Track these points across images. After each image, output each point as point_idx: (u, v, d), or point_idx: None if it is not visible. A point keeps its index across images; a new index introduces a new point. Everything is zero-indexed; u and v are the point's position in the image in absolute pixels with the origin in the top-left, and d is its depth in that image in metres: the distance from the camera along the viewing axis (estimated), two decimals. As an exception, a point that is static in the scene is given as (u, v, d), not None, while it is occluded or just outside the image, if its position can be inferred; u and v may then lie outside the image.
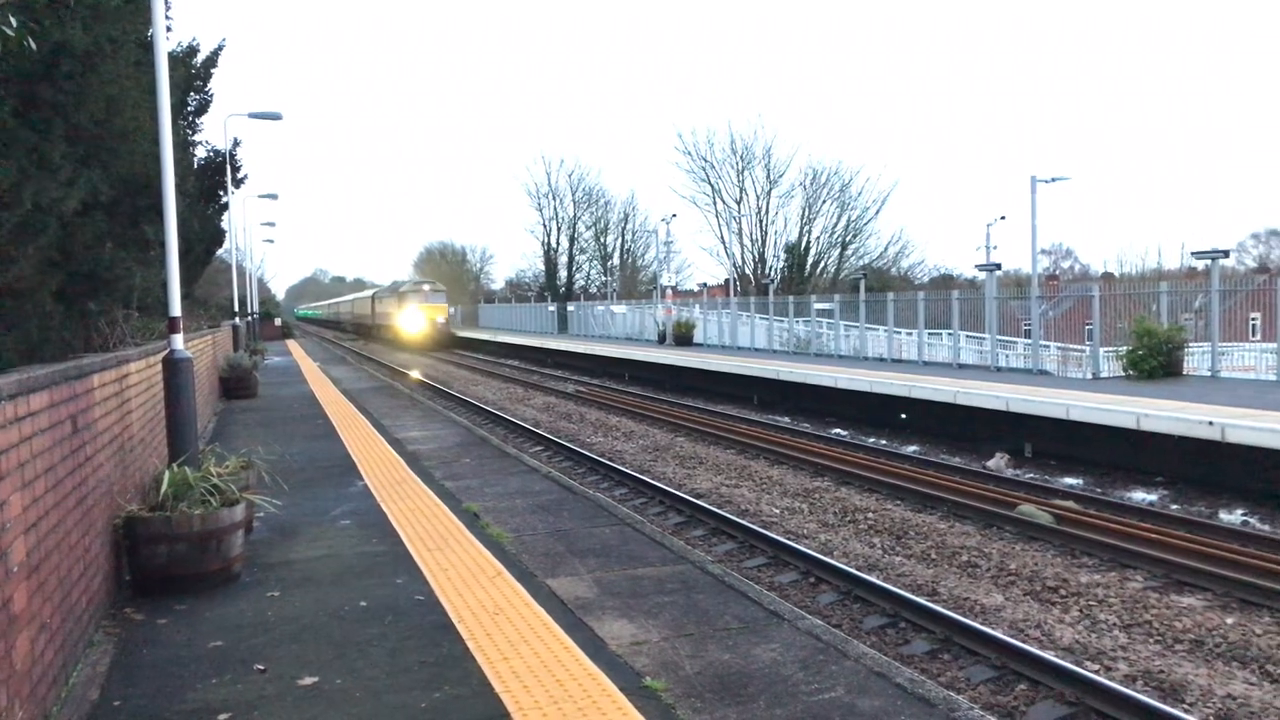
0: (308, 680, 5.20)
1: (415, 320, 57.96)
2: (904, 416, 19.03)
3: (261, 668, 5.40)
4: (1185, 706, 6.39)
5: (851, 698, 4.95)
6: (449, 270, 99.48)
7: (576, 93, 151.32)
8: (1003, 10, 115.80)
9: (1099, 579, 9.13)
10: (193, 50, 20.07)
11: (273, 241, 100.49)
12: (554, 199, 78.01)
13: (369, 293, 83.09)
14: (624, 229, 77.81)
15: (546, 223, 78.95)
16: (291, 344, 60.02)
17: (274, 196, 44.46)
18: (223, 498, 7.18)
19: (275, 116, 28.55)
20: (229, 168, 26.60)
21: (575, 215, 78.28)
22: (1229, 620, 7.96)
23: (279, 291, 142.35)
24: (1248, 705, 6.37)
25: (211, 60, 20.96)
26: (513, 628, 5.96)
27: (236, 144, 27.50)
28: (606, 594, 6.83)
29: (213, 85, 20.97)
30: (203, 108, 20.75)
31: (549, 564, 7.65)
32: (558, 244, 79.28)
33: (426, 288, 61.52)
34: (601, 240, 79.25)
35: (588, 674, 5.20)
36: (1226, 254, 21.26)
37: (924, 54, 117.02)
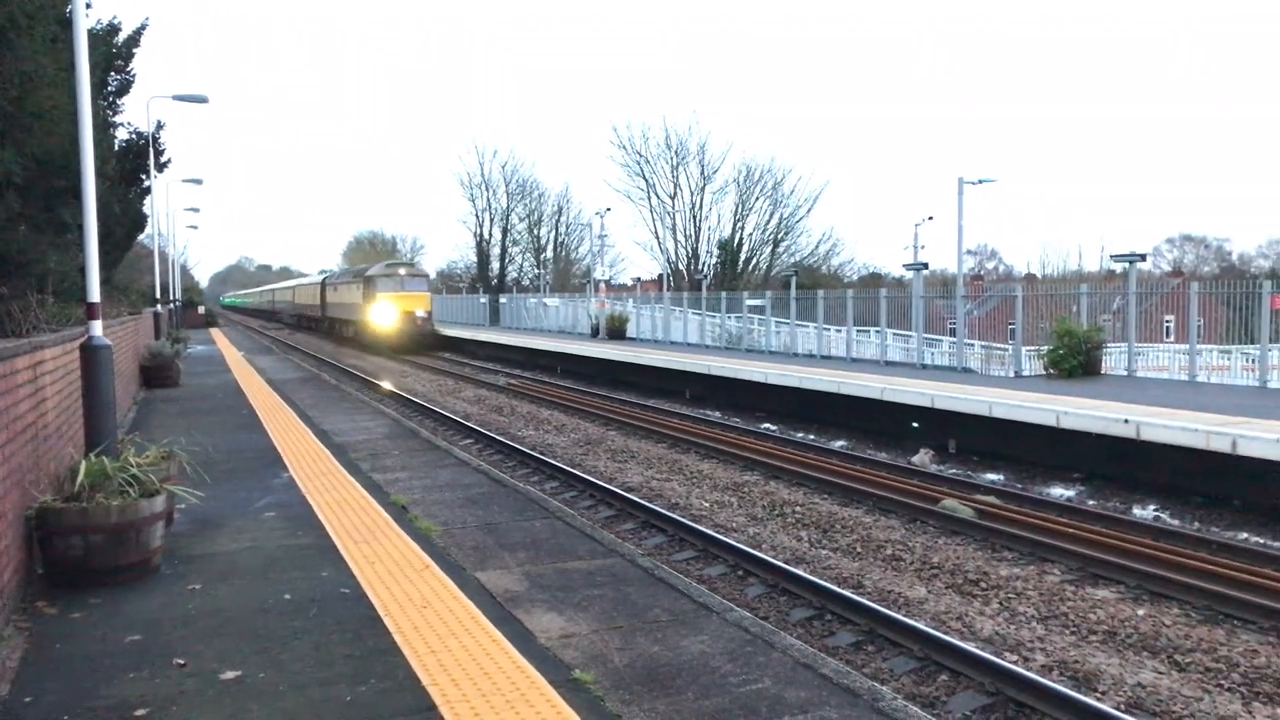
0: (230, 674, 5.10)
1: (387, 314, 43.15)
2: (829, 413, 19.30)
3: (182, 662, 5.28)
4: (1098, 695, 6.59)
5: (779, 688, 5.01)
6: (378, 261, 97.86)
7: (511, 83, 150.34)
8: (932, 15, 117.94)
9: (1018, 572, 9.37)
10: (114, 29, 19.47)
11: (196, 228, 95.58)
12: (487, 189, 77.34)
13: (317, 276, 69.67)
14: (558, 221, 77.57)
15: (479, 213, 78.26)
16: (216, 333, 58.40)
17: (198, 181, 43.50)
18: (142, 488, 6.99)
19: (200, 99, 27.84)
20: (152, 150, 25.89)
21: (509, 206, 77.72)
22: (1140, 612, 8.22)
23: (203, 279, 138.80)
24: (1156, 694, 6.59)
25: (134, 39, 20.36)
26: (441, 621, 5.92)
27: (160, 127, 26.82)
28: (536, 587, 6.81)
29: (135, 65, 20.39)
30: (124, 88, 20.16)
31: (478, 557, 7.60)
32: (490, 235, 78.67)
33: (403, 271, 45.75)
34: (535, 232, 78.86)
35: (516, 667, 5.18)
36: (1143, 258, 21.96)
37: (855, 56, 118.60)
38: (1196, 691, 6.64)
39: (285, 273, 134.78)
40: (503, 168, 77.48)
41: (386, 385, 27.77)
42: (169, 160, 29.04)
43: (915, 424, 16.71)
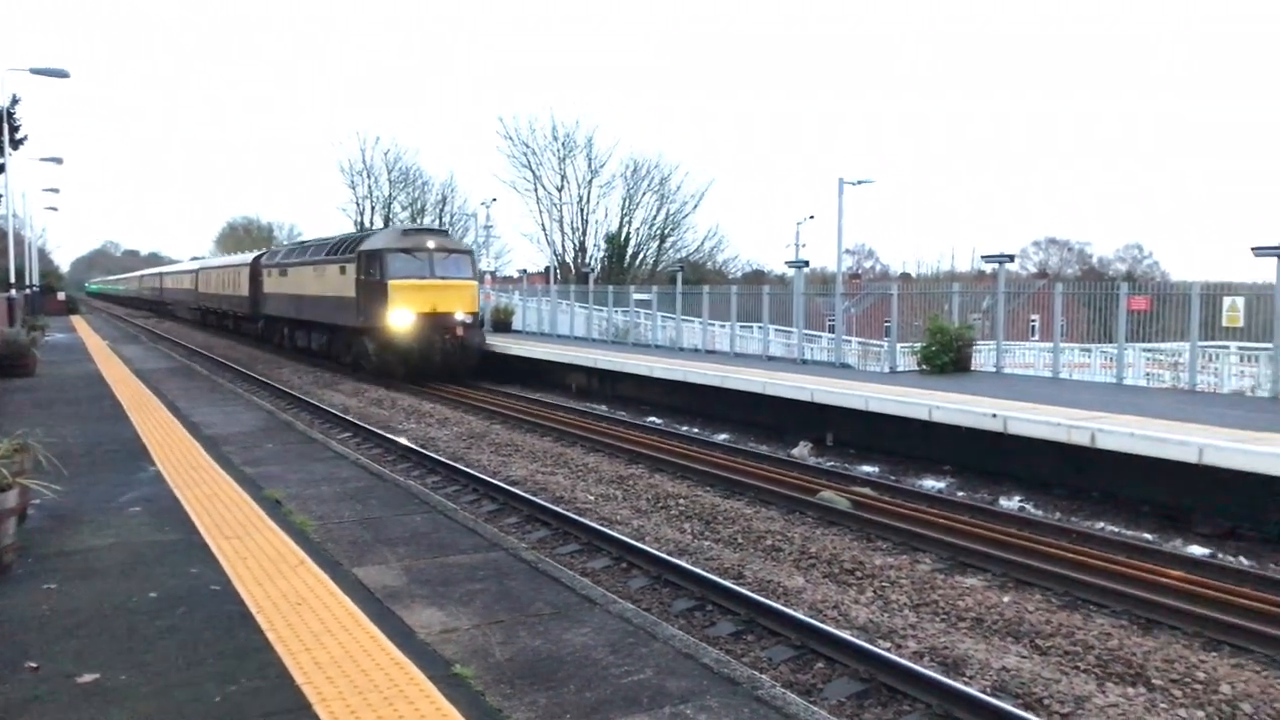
0: (88, 677, 4.86)
1: (406, 318, 25.12)
2: (715, 406, 19.53)
3: (34, 665, 5.00)
4: (966, 679, 6.84)
5: (660, 679, 5.04)
6: (253, 248, 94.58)
7: (394, 69, 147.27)
8: (816, 18, 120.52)
9: (892, 561, 9.65)
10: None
11: (56, 209, 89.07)
12: (368, 177, 75.51)
13: (243, 256, 46.94)
14: (442, 211, 76.27)
15: (360, 201, 76.33)
16: (78, 320, 55.59)
17: (58, 161, 41.29)
18: (-8, 483, 6.56)
19: (61, 74, 26.45)
20: (6, 126, 24.49)
21: (390, 195, 76.04)
22: (1005, 599, 8.56)
23: (64, 264, 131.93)
24: (1020, 676, 6.88)
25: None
26: (316, 618, 5.76)
27: (15, 101, 25.41)
28: (416, 582, 6.69)
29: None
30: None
31: (356, 552, 7.43)
32: (371, 224, 76.81)
33: (432, 243, 26.48)
34: (418, 221, 77.51)
35: (395, 663, 5.08)
36: (1011, 259, 22.88)
37: (742, 57, 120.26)
38: (1056, 674, 6.95)
39: (154, 259, 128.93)
40: (385, 155, 75.74)
41: (260, 376, 26.88)
42: (25, 137, 27.62)
43: (800, 417, 17.06)
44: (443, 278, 25.74)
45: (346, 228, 72.51)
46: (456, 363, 25.68)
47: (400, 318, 24.90)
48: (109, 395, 17.30)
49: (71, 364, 24.00)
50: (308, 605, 5.99)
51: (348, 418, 18.83)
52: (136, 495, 9.08)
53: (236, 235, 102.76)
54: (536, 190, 65.88)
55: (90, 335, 37.66)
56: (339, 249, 29.04)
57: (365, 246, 26.48)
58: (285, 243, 54.66)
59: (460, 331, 25.48)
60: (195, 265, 59.88)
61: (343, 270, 27.68)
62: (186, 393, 18.46)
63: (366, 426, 17.64)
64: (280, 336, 36.20)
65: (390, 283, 25.08)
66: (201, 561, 6.93)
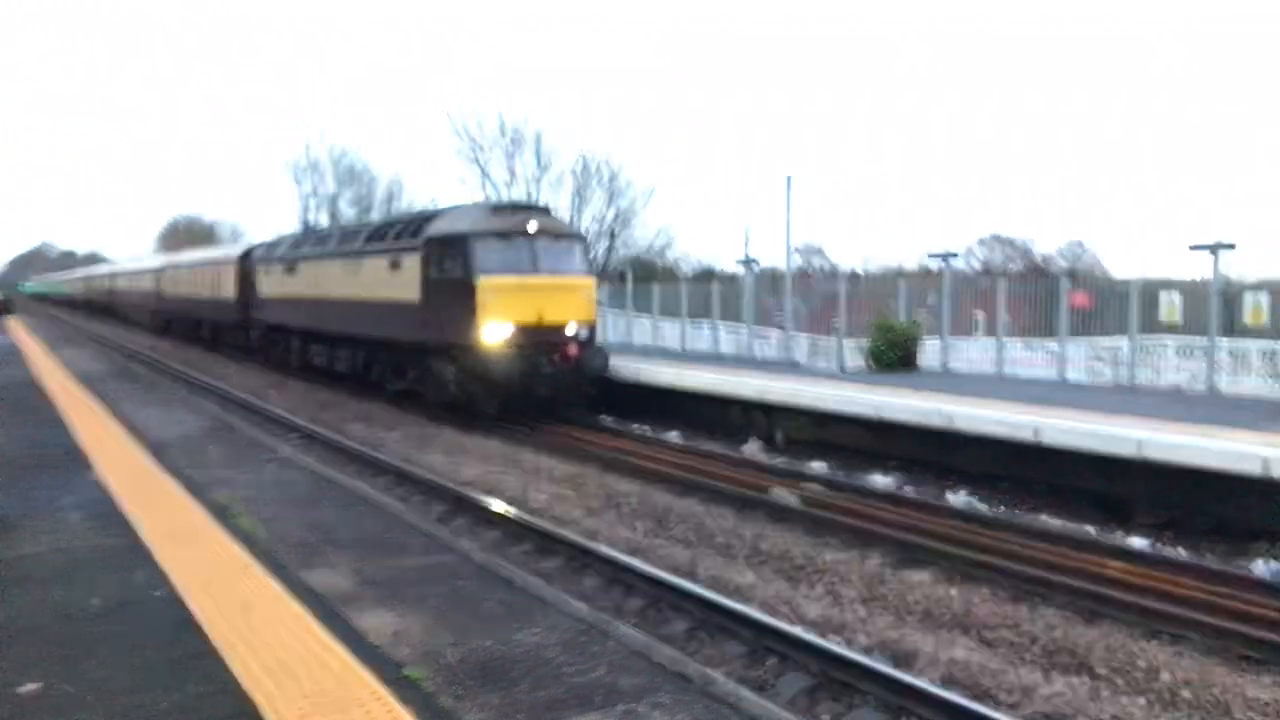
0: (30, 687, 4.74)
1: (500, 333, 17.52)
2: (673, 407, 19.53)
3: (-29, 676, 4.87)
4: (915, 672, 6.93)
5: (613, 677, 5.04)
6: (194, 246, 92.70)
7: (339, 65, 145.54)
8: (767, 18, 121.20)
9: (842, 557, 9.74)
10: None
11: None
12: (314, 174, 74.58)
13: (231, 250, 36.89)
14: (389, 208, 75.56)
15: (305, 198, 75.36)
16: (13, 322, 54.22)
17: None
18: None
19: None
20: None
21: (337, 191, 75.19)
22: (953, 592, 8.69)
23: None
24: (967, 668, 6.99)
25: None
26: (264, 622, 5.68)
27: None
28: (366, 585, 6.63)
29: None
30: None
31: (304, 556, 7.34)
32: (317, 221, 75.96)
33: (533, 225, 18.30)
34: (365, 218, 76.74)
35: (345, 667, 5.03)
36: (956, 256, 23.21)
37: (691, 55, 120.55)
38: (1003, 665, 7.07)
39: (93, 258, 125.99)
40: (331, 151, 74.90)
41: (204, 379, 26.40)
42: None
43: (739, 415, 17.15)
44: (552, 272, 18.15)
45: (292, 226, 71.03)
46: (567, 394, 18.42)
47: (496, 331, 17.35)
48: (47, 399, 16.90)
49: (6, 367, 23.41)
50: (255, 610, 5.90)
51: (296, 420, 18.46)
52: (76, 500, 8.88)
53: (179, 234, 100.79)
54: (484, 186, 65.47)
55: (28, 338, 36.76)
56: (388, 235, 21.13)
57: (437, 230, 18.76)
58: (270, 239, 38.70)
59: (574, 350, 18.05)
60: (158, 262, 49.22)
61: (395, 265, 20.03)
62: (128, 396, 18.10)
63: (316, 430, 17.35)
64: (285, 352, 27.17)
65: (480, 281, 17.40)
66: (144, 567, 6.79)
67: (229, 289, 32.82)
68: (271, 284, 28.23)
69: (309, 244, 26.68)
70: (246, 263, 31.34)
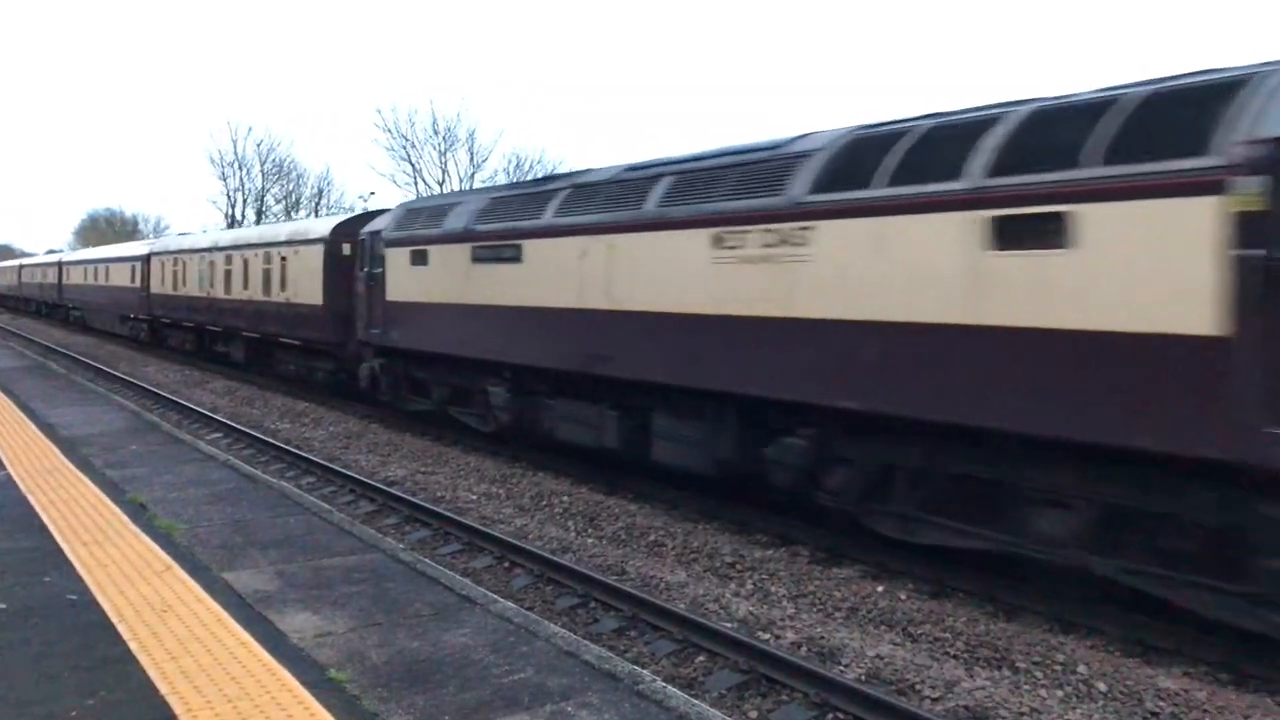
0: (-71, 696, 4.56)
1: None
2: None
3: None
4: (841, 668, 7.01)
5: (541, 677, 5.01)
6: (115, 241, 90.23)
7: (267, 56, 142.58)
8: (700, 17, 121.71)
9: (771, 554, 9.81)
10: None
11: None
12: (240, 168, 73.10)
13: (303, 227, 23.95)
14: (318, 205, 74.39)
15: (231, 193, 73.82)
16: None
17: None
18: None
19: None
20: None
21: (264, 187, 73.80)
22: (879, 589, 8.80)
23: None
24: (893, 664, 7.09)
25: None
26: (183, 625, 5.54)
27: None
28: (290, 586, 6.50)
29: None
30: None
31: (226, 556, 7.18)
32: (243, 216, 74.43)
33: None
34: (293, 215, 75.38)
35: (266, 669, 4.92)
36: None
37: (624, 50, 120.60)
38: (927, 660, 7.19)
39: (6, 251, 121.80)
40: (258, 146, 73.48)
41: (123, 375, 25.69)
42: None
43: None
44: None
45: (217, 222, 69.40)
46: None
47: None
48: (-45, 396, 16.30)
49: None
50: (174, 612, 5.76)
51: (218, 417, 18.06)
52: (-15, 501, 8.57)
53: (99, 228, 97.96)
54: (417, 184, 64.81)
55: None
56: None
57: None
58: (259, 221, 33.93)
59: None
60: (141, 248, 35.97)
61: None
62: (43, 392, 17.52)
63: (238, 427, 16.97)
64: (435, 393, 16.16)
65: None
66: (56, 569, 6.59)
67: (301, 290, 20.92)
68: (410, 285, 15.94)
69: (507, 212, 13.96)
70: (339, 245, 19.74)
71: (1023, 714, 6.32)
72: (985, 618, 8.02)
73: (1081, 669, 6.95)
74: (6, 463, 10.30)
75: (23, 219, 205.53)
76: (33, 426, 13.01)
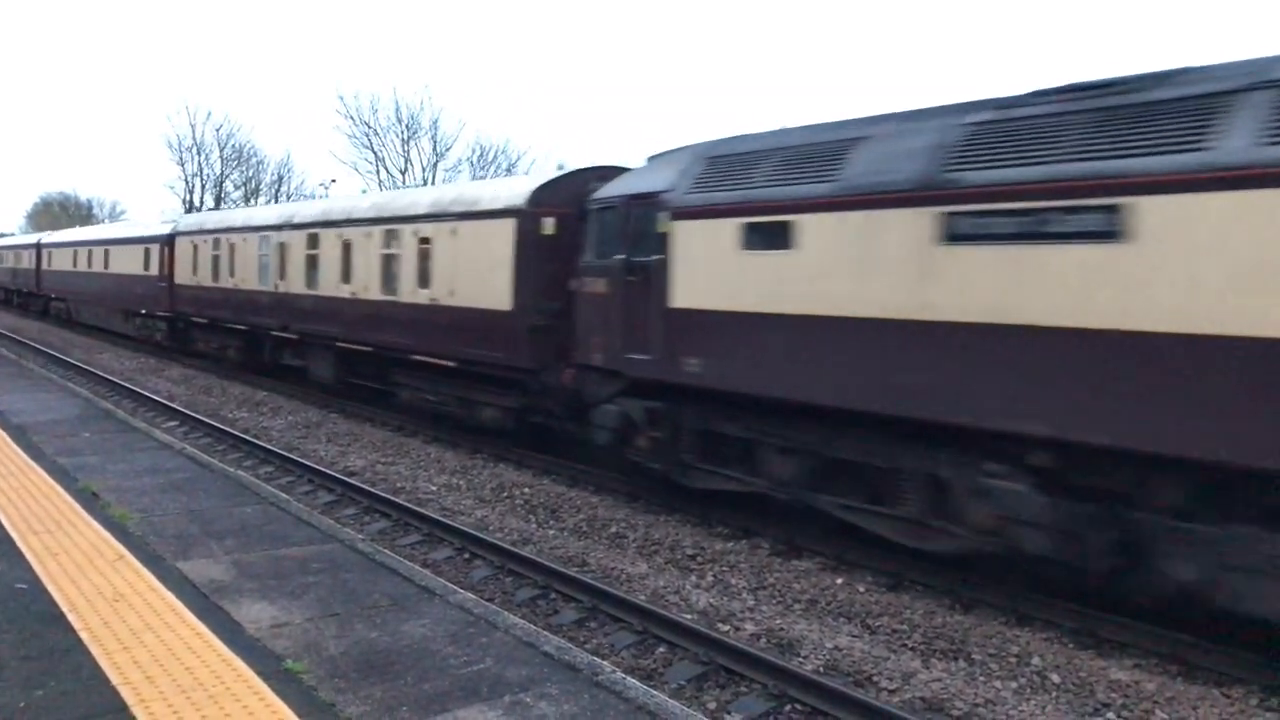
0: None
1: None
2: None
3: None
4: (799, 659, 7.05)
5: (500, 668, 4.99)
6: (70, 226, 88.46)
7: (226, 40, 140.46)
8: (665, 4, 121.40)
9: (732, 546, 9.85)
10: None
11: None
12: (199, 153, 71.90)
13: (533, 181, 14.35)
14: (278, 191, 73.44)
15: (189, 179, 72.62)
16: None
17: None
18: None
19: None
20: None
21: (223, 173, 72.71)
22: (838, 581, 8.87)
23: None
24: (850, 655, 7.14)
25: None
26: (136, 615, 5.45)
27: None
28: (246, 576, 6.43)
29: None
30: None
31: (181, 546, 7.08)
32: (201, 202, 73.27)
33: None
34: (252, 201, 74.40)
35: (221, 660, 4.86)
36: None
37: (588, 37, 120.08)
38: (885, 652, 7.25)
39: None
40: (217, 131, 72.34)
41: (78, 362, 25.22)
42: None
43: None
44: None
45: (174, 207, 68.09)
46: None
47: None
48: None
49: None
50: (127, 602, 5.67)
51: (174, 406, 17.81)
52: (-68, 488, 8.39)
53: (52, 212, 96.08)
54: (379, 172, 64.16)
55: None
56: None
57: None
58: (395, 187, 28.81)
59: None
60: (160, 227, 29.24)
61: None
62: (-8, 379, 17.16)
63: (195, 415, 16.75)
64: (769, 465, 9.85)
65: None
66: (6, 558, 6.46)
67: (483, 282, 14.10)
68: (764, 275, 9.59)
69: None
70: (558, 218, 13.21)
71: (978, 705, 6.39)
72: (943, 610, 8.10)
73: (1036, 660, 7.05)
74: (-46, 450, 10.10)
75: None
76: (-17, 413, 12.76)
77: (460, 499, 11.78)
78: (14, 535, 6.98)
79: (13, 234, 66.32)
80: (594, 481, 12.55)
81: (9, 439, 10.90)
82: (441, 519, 10.31)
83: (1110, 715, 6.33)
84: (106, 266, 31.96)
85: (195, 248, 24.98)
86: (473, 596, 6.38)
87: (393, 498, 11.18)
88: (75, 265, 35.67)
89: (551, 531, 10.42)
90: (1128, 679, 6.74)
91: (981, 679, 6.82)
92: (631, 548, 9.85)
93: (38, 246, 41.90)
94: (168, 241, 26.71)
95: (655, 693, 5.00)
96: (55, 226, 68.51)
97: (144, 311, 28.55)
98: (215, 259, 23.71)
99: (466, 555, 9.41)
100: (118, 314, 31.35)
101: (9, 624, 5.28)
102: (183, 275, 25.53)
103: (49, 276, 39.40)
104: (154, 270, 27.32)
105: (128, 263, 29.64)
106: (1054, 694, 6.61)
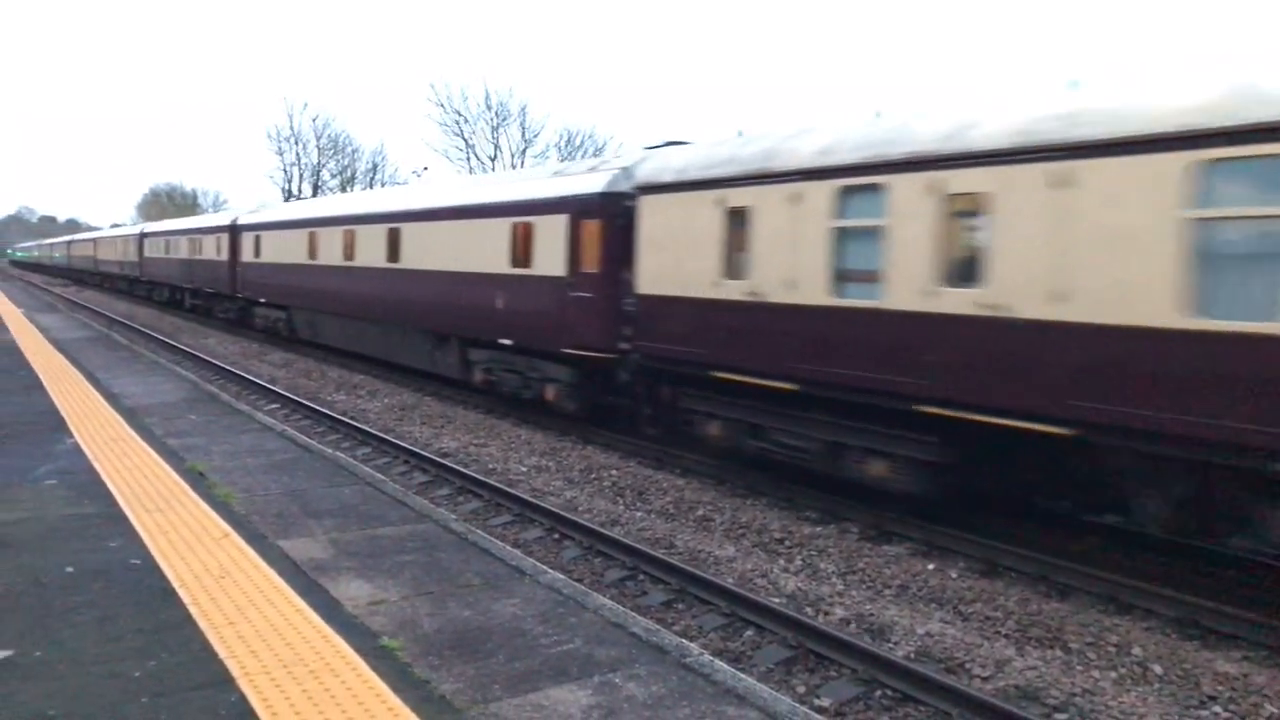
0: (1, 654, 4.72)
1: None
2: None
3: (-57, 643, 4.84)
4: (890, 645, 6.98)
5: (589, 648, 5.05)
6: (177, 215, 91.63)
7: (322, 33, 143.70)
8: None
9: (820, 531, 9.78)
10: None
11: None
12: (297, 144, 73.86)
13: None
14: (372, 179, 75.02)
15: (288, 168, 74.67)
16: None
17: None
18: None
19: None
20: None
21: (320, 162, 74.53)
22: (930, 566, 8.74)
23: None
24: (942, 641, 7.04)
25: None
26: (240, 591, 5.66)
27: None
28: (344, 554, 6.61)
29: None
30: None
31: (282, 525, 7.31)
32: (300, 191, 75.32)
33: None
34: (348, 189, 76.09)
35: (321, 636, 5.02)
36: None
37: (675, 26, 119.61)
38: (977, 639, 7.13)
39: (73, 225, 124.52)
40: (314, 121, 74.49)
41: (185, 346, 26.21)
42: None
43: None
44: None
45: (275, 197, 69.89)
46: None
47: None
48: (25, 366, 16.76)
49: None
50: (231, 578, 5.89)
51: (275, 389, 18.40)
52: (53, 468, 8.81)
53: (160, 202, 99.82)
54: (469, 159, 64.97)
55: (5, 304, 36.41)
56: None
57: None
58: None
59: None
60: (367, 202, 23.15)
61: None
62: (107, 363, 17.95)
63: (296, 398, 17.27)
64: None
65: None
66: (121, 535, 6.76)
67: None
68: None
69: None
70: None
71: (1075, 695, 6.25)
72: (1037, 597, 7.93)
73: (1136, 650, 6.85)
74: (76, 432, 10.59)
75: (88, 194, 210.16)
76: (99, 396, 13.35)
77: (550, 480, 11.92)
78: (128, 513, 7.30)
79: (124, 224, 68.61)
80: (680, 464, 12.58)
81: (122, 420, 11.39)
82: (532, 499, 10.45)
83: (1217, 709, 6.12)
84: (195, 252, 29.03)
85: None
86: (562, 577, 6.46)
87: (485, 479, 11.38)
88: (208, 255, 31.61)
89: (639, 513, 10.48)
90: (1235, 671, 6.50)
91: (1079, 668, 6.66)
92: (719, 530, 9.85)
93: (167, 235, 39.22)
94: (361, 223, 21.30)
95: (743, 675, 5.00)
96: (163, 217, 71.02)
97: (366, 317, 20.85)
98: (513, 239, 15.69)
99: (556, 536, 9.53)
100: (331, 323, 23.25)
101: (124, 598, 5.53)
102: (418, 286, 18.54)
103: (200, 268, 33.65)
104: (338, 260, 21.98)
105: (284, 249, 24.76)
106: (1156, 685, 6.42)
